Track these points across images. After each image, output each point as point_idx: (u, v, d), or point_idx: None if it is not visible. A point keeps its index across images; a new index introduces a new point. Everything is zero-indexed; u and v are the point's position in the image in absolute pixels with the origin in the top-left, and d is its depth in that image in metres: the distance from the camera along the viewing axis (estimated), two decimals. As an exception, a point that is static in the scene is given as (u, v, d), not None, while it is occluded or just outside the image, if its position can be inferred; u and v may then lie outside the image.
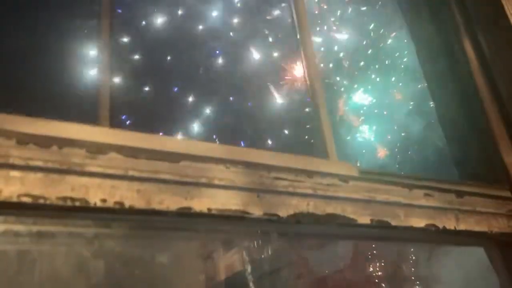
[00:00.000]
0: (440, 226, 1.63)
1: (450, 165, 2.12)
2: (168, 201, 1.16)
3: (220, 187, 1.26)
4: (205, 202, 1.22)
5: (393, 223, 1.53)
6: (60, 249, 1.13)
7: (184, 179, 1.20)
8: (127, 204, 1.10)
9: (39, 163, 1.03)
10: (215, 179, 1.25)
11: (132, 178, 1.13)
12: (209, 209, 1.21)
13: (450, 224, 1.65)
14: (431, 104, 2.25)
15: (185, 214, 1.18)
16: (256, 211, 1.29)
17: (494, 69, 2.06)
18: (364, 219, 1.48)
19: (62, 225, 1.10)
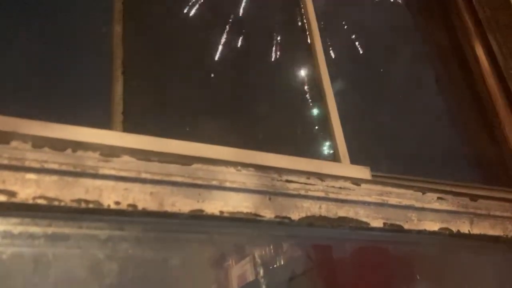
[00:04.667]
0: (454, 229, 1.61)
1: (464, 167, 2.10)
2: (180, 203, 1.17)
3: (232, 189, 1.26)
4: (217, 204, 1.22)
5: (406, 226, 1.52)
6: (74, 251, 1.14)
7: (196, 182, 1.21)
8: (140, 206, 1.11)
9: (54, 166, 1.05)
10: (227, 181, 1.26)
11: (145, 181, 1.14)
12: (221, 212, 1.22)
13: (464, 228, 1.64)
14: (443, 105, 2.24)
15: (197, 216, 1.19)
16: (268, 214, 1.29)
17: (505, 70, 2.04)
18: (377, 223, 1.47)
19: (76, 227, 1.12)
